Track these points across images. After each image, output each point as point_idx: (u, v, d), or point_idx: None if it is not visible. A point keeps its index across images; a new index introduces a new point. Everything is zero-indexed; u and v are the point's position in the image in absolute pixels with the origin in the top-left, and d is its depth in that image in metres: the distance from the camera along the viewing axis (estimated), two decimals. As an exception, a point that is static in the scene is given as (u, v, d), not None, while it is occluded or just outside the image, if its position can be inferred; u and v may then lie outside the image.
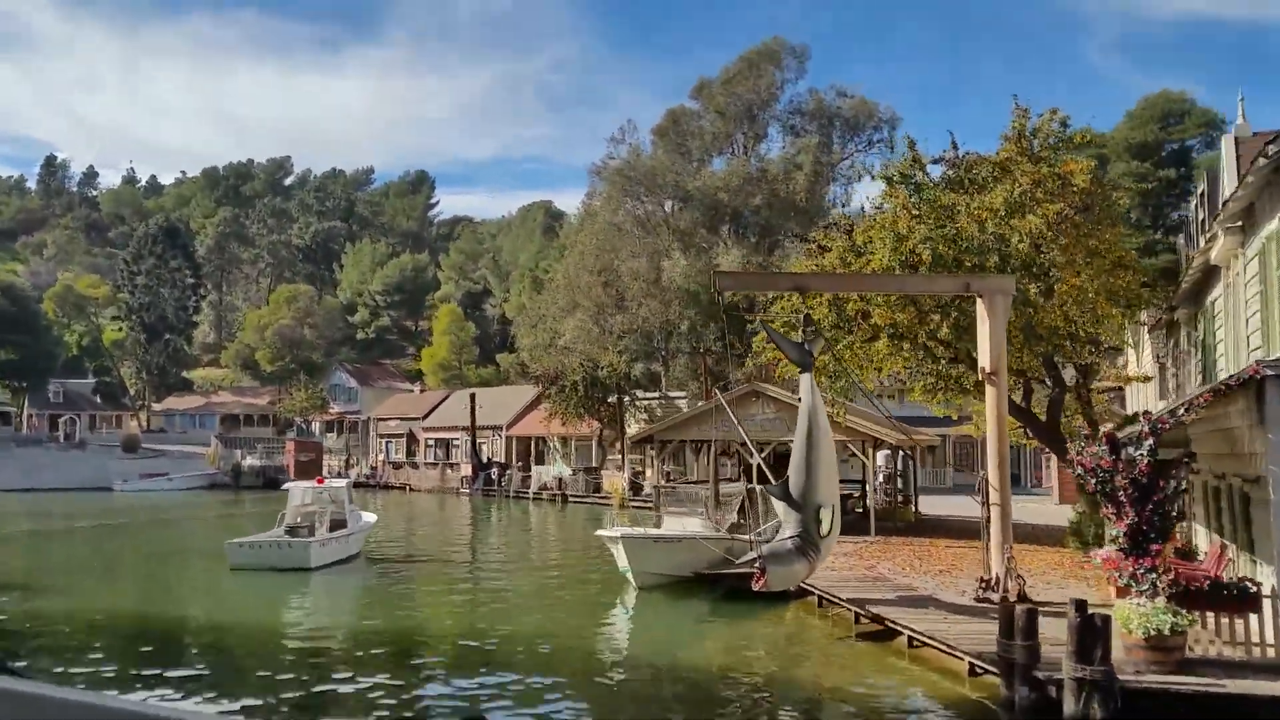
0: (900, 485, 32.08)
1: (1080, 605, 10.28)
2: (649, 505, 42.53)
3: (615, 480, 45.75)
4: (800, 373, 15.54)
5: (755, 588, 15.00)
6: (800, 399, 15.33)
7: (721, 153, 69.02)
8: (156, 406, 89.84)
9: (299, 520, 25.51)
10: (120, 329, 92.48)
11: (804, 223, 66.61)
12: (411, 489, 60.06)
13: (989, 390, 15.90)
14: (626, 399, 51.99)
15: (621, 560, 20.28)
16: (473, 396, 59.37)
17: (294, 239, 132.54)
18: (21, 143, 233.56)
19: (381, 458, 68.49)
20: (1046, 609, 14.07)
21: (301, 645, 16.10)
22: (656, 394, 55.73)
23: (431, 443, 70.57)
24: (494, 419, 64.44)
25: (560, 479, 49.00)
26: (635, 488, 44.48)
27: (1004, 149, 21.71)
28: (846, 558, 20.93)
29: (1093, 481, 11.04)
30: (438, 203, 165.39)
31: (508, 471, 54.13)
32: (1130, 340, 31.69)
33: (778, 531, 24.44)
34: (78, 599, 20.04)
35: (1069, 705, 10.17)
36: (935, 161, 22.17)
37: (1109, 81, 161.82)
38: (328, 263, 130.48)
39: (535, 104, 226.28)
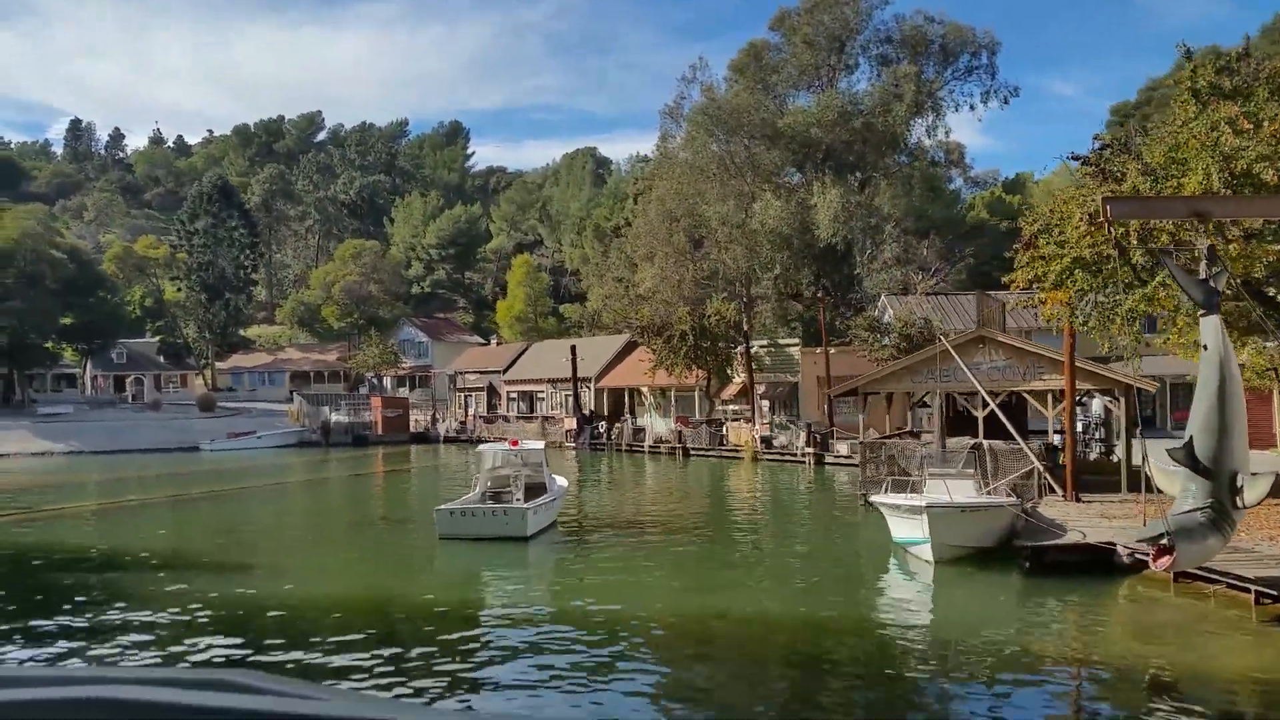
0: (1101, 435, 29.71)
1: None
2: (788, 459, 40.54)
3: (743, 433, 43.67)
4: (1202, 314, 13.19)
5: (1157, 567, 12.99)
6: (1205, 346, 13.01)
7: (809, 87, 65.71)
8: (221, 365, 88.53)
9: (490, 485, 23.60)
10: (179, 289, 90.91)
11: (898, 157, 63.78)
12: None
13: None
14: (739, 348, 49.72)
15: (902, 529, 18.18)
16: (573, 348, 57.33)
17: (339, 194, 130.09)
18: (28, 108, 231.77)
19: (473, 411, 66.76)
20: None
21: (571, 630, 14.13)
22: (766, 341, 53.36)
23: (514, 395, 68.85)
24: (582, 370, 62.41)
25: (680, 432, 46.94)
26: (766, 441, 42.43)
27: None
28: (1134, 520, 18.67)
29: None
30: (474, 153, 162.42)
31: (617, 424, 52.17)
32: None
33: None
34: (307, 580, 18.13)
35: None
36: (1219, 72, 19.56)
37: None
38: (375, 218, 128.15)
39: (541, 51, 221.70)
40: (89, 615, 15.32)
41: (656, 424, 54.03)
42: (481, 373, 71.97)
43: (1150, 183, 18.43)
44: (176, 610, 15.63)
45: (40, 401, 77.52)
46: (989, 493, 21.24)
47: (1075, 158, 20.23)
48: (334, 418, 62.52)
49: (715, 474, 38.94)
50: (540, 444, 25.38)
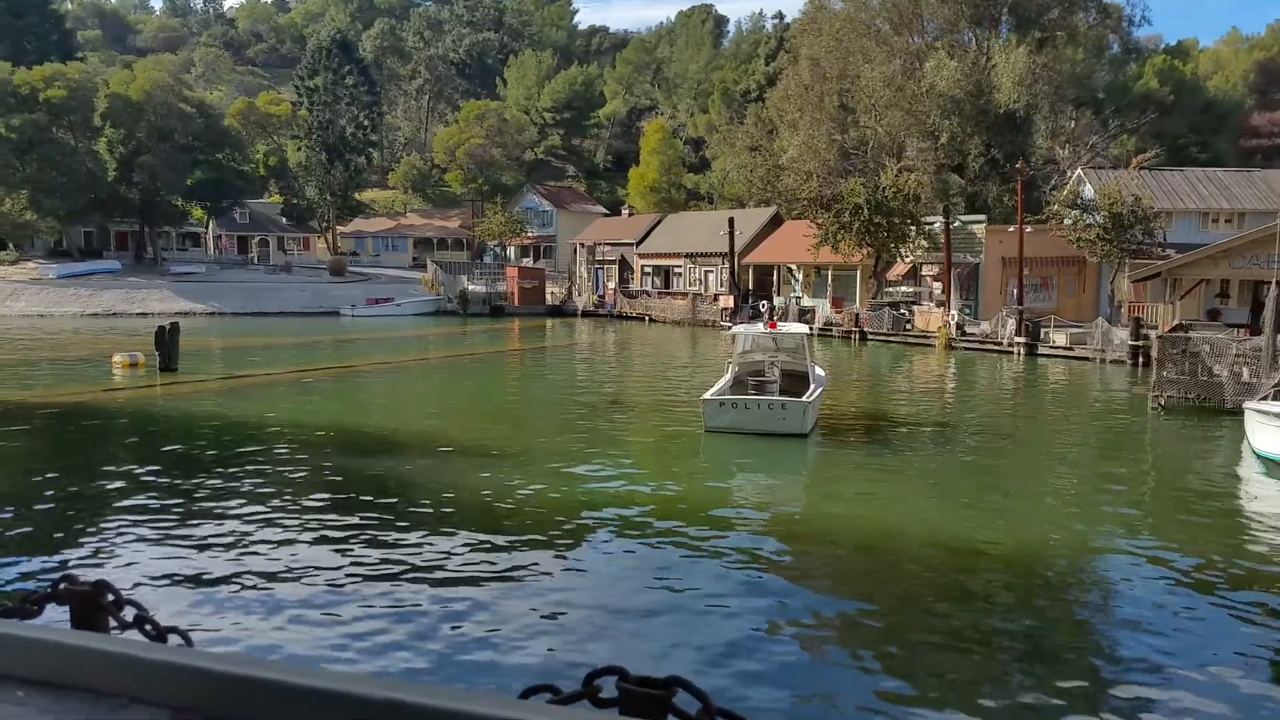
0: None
1: None
2: (990, 348, 37.24)
3: (933, 317, 40.38)
4: None
5: None
6: None
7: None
8: (343, 229, 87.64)
9: (740, 371, 21.14)
10: (299, 149, 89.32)
11: (1089, 10, 57.25)
12: (653, 320, 56.06)
13: None
14: (935, 223, 45.90)
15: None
16: (731, 221, 54.02)
17: (449, 52, 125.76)
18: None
19: (612, 285, 64.53)
20: None
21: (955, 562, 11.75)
22: (945, 219, 49.14)
23: (648, 270, 66.28)
24: (725, 245, 59.29)
25: (856, 315, 43.85)
26: (960, 327, 39.13)
27: None
28: None
29: None
30: (577, 10, 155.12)
31: (784, 303, 49.29)
32: None
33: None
34: (583, 474, 16.09)
35: None
36: None
37: None
38: (484, 79, 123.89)
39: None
40: (406, 502, 13.53)
41: (808, 304, 51.14)
42: (613, 244, 69.31)
43: None
44: (454, 496, 13.77)
45: (170, 260, 77.92)
46: None
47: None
48: (470, 287, 61.03)
49: (910, 362, 35.99)
50: (802, 328, 22.67)
